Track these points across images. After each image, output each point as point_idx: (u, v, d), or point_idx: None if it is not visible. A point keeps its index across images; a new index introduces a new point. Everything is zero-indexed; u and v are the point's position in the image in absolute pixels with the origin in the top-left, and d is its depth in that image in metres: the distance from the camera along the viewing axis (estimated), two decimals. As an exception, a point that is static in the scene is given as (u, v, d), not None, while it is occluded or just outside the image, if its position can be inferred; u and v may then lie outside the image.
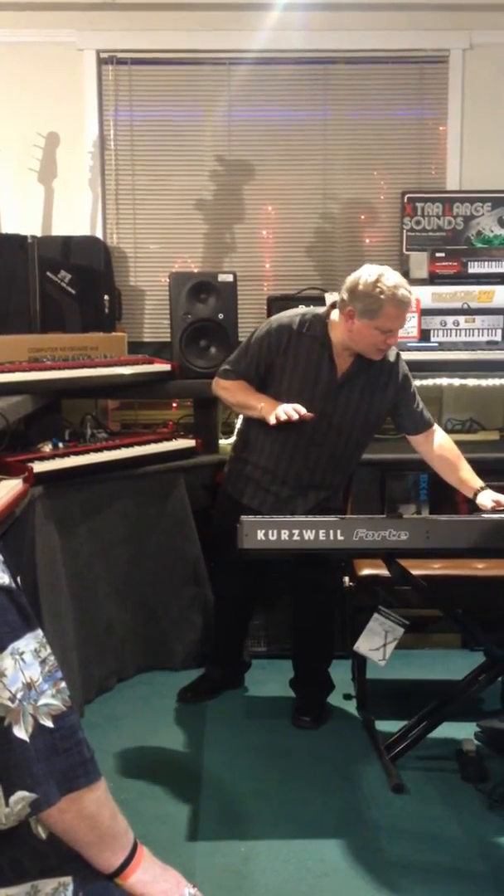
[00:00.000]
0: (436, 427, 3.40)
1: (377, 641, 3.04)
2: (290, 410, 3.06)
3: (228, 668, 3.73)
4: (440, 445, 3.37)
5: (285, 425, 3.10)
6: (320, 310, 3.28)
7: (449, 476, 3.36)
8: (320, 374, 3.21)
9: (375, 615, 3.06)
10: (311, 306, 3.41)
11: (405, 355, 4.01)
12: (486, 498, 3.18)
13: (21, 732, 1.20)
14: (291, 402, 3.12)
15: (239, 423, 3.55)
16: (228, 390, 3.35)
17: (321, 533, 2.75)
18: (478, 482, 3.26)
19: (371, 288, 3.02)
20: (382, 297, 3.01)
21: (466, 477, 3.29)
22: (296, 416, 3.06)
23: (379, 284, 3.02)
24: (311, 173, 4.67)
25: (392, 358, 3.29)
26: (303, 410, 3.08)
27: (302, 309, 3.33)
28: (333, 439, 3.25)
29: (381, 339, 3.10)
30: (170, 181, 4.66)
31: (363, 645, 3.06)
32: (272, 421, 3.08)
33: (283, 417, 3.05)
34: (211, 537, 3.69)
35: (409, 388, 3.34)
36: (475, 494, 3.23)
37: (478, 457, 4.05)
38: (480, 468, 4.02)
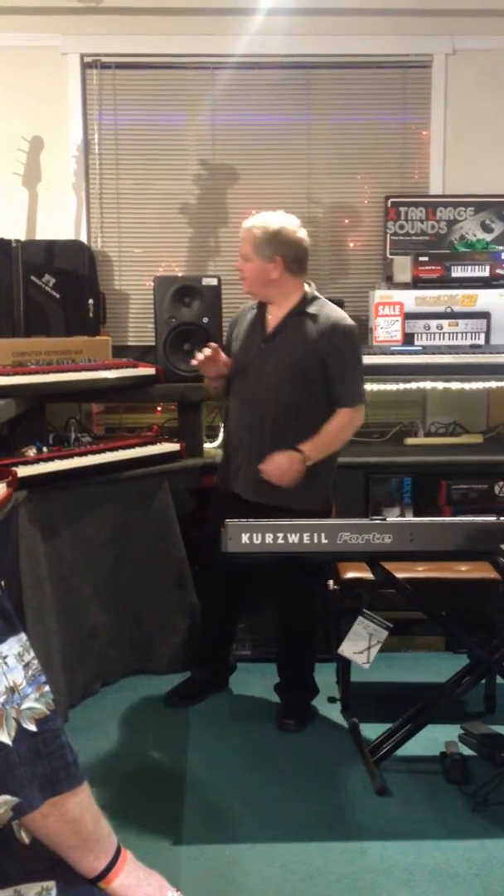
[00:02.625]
0: (341, 410, 3.30)
1: (361, 644, 3.04)
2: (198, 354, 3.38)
3: (215, 671, 3.72)
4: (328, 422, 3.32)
5: (233, 395, 3.41)
6: None
7: None
8: (254, 335, 3.41)
9: (360, 618, 3.07)
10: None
11: (389, 359, 4.04)
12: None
13: (4, 736, 1.20)
14: (234, 365, 3.42)
15: None
16: None
17: (305, 536, 2.75)
18: (304, 447, 3.23)
19: None
20: None
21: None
22: (201, 356, 3.35)
23: None
24: (294, 177, 4.69)
25: (327, 323, 3.30)
26: (208, 351, 3.36)
27: None
28: (263, 397, 3.33)
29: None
30: (154, 185, 4.66)
31: (348, 648, 3.06)
32: (199, 369, 3.44)
33: (196, 361, 3.39)
34: (198, 539, 3.69)
35: (339, 363, 3.29)
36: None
37: (461, 460, 4.09)
38: (463, 471, 4.07)
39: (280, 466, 3.21)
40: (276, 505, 3.26)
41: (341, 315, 3.35)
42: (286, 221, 3.32)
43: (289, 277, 3.32)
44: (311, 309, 3.33)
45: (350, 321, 3.35)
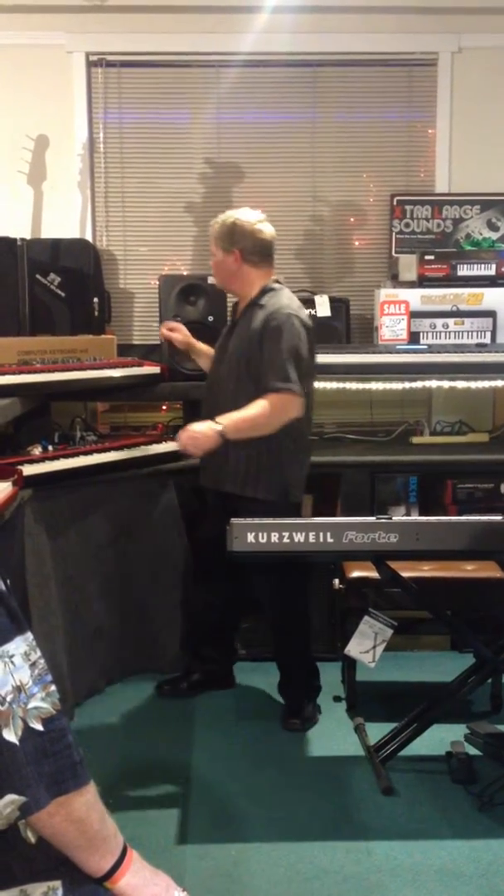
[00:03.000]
0: (266, 395, 3.21)
1: (367, 644, 3.04)
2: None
3: (215, 665, 3.73)
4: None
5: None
6: None
7: None
8: (226, 330, 3.51)
9: (366, 617, 3.07)
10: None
11: (394, 358, 4.02)
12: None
13: (10, 735, 1.19)
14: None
15: None
16: None
17: (311, 535, 2.75)
18: (222, 418, 3.17)
19: None
20: None
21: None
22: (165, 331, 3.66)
23: None
24: (300, 176, 4.68)
25: (268, 312, 3.28)
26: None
27: None
28: (217, 388, 3.41)
29: None
30: (159, 184, 4.66)
31: (354, 648, 3.06)
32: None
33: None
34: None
35: (267, 348, 3.23)
36: None
37: (467, 459, 4.08)
38: (469, 470, 4.06)
39: (192, 434, 3.14)
40: (231, 492, 3.30)
41: (285, 304, 3.28)
42: (244, 214, 3.37)
43: (249, 269, 3.35)
44: (263, 300, 3.32)
45: (292, 309, 3.27)
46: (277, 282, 3.39)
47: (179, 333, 3.67)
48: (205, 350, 3.67)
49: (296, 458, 3.36)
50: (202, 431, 3.13)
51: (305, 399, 3.25)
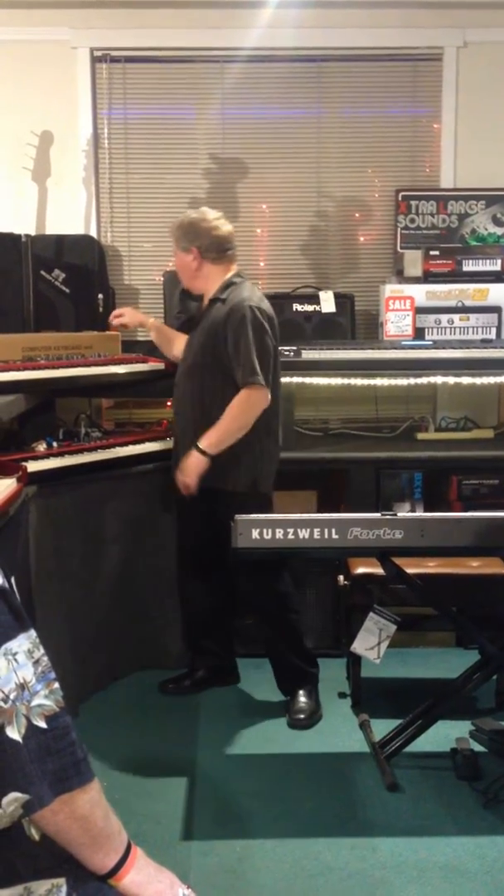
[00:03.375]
0: (242, 391, 3.26)
1: (372, 640, 3.04)
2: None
3: (216, 662, 3.74)
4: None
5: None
6: None
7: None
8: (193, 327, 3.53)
9: (371, 614, 3.07)
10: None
11: (399, 353, 4.02)
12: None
13: (14, 733, 1.19)
14: None
15: None
16: None
17: (316, 532, 2.74)
18: (202, 440, 3.29)
19: None
20: None
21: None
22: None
23: None
24: (305, 171, 4.67)
25: (229, 305, 3.32)
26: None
27: None
28: (181, 385, 3.47)
29: None
30: (164, 179, 4.66)
31: (360, 645, 3.06)
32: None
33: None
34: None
35: (233, 343, 3.27)
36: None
37: (472, 455, 4.07)
38: (475, 466, 4.05)
39: (184, 469, 3.31)
40: (203, 486, 3.34)
41: (246, 296, 3.32)
42: (199, 213, 3.44)
43: (209, 266, 3.41)
44: (224, 294, 3.37)
45: (253, 302, 3.30)
46: (239, 275, 3.44)
47: (125, 316, 3.75)
48: (169, 333, 3.74)
49: (266, 449, 3.40)
50: (188, 463, 3.29)
51: (273, 390, 3.32)
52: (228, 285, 3.39)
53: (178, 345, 3.62)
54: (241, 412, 3.26)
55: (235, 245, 3.47)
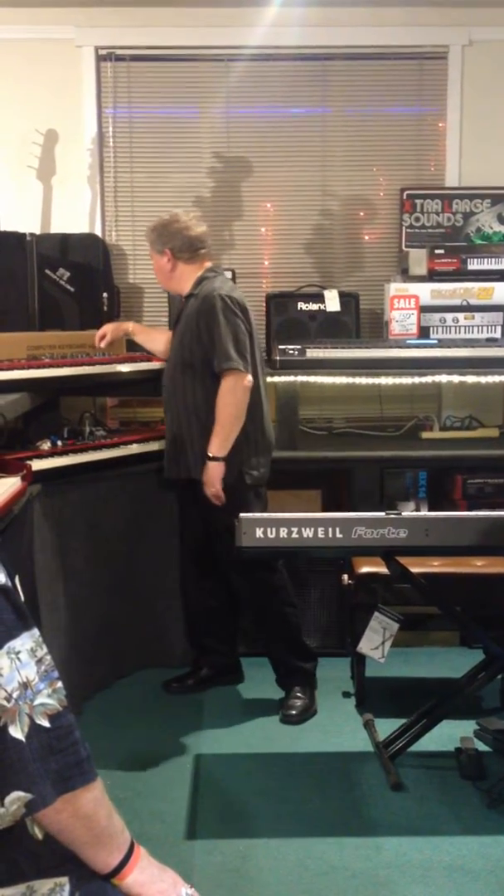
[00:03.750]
0: (223, 381, 3.30)
1: (377, 640, 3.04)
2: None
3: (218, 661, 3.74)
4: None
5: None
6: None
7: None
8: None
9: (376, 613, 3.06)
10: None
11: (404, 352, 4.01)
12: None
13: (17, 732, 1.19)
14: None
15: None
16: None
17: (320, 531, 2.74)
18: (208, 450, 3.32)
19: None
20: None
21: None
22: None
23: None
24: (309, 170, 4.66)
25: (200, 295, 3.38)
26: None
27: None
28: (167, 383, 3.51)
29: None
30: (168, 178, 4.65)
31: (366, 645, 3.06)
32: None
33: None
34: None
35: (208, 331, 3.32)
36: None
37: (477, 454, 4.06)
38: (479, 465, 4.04)
39: (207, 482, 3.32)
40: (187, 478, 3.40)
41: (217, 286, 3.37)
42: (172, 215, 3.48)
43: (183, 266, 3.46)
44: (197, 289, 3.42)
45: (224, 291, 3.34)
46: (212, 270, 3.48)
47: (108, 334, 3.70)
48: (152, 333, 3.79)
49: (252, 439, 3.41)
50: (208, 475, 3.31)
51: (254, 378, 3.35)
52: (201, 280, 3.44)
53: (163, 342, 3.65)
54: (228, 402, 3.29)
55: (210, 244, 3.52)
